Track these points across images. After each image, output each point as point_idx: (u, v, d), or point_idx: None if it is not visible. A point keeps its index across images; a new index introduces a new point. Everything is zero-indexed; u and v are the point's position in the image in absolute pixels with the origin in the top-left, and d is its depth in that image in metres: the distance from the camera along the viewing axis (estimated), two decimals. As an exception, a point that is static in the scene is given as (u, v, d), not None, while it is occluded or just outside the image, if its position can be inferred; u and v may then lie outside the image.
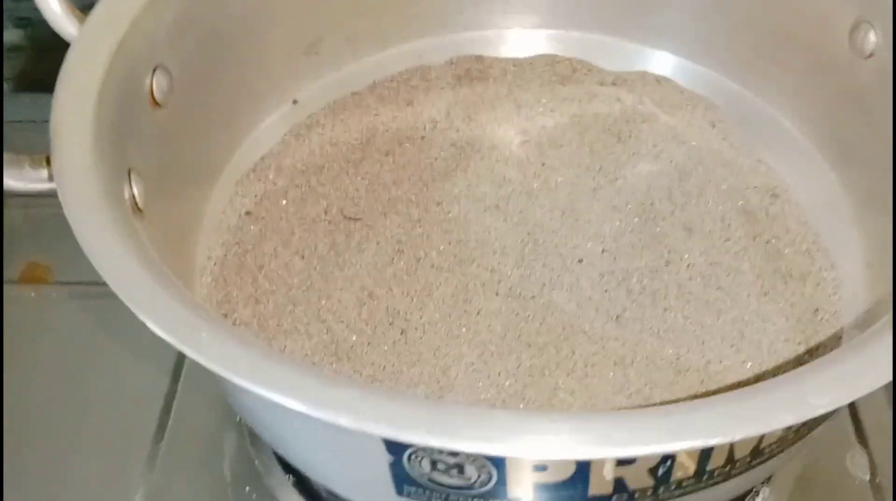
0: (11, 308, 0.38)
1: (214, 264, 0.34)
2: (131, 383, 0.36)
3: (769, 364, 0.29)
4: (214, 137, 0.37)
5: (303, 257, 0.34)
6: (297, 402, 0.18)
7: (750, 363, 0.29)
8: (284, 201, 0.37)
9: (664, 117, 0.38)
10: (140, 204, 0.28)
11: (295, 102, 0.40)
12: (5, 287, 0.39)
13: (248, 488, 0.33)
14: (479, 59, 0.42)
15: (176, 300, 0.22)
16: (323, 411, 0.18)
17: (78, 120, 0.27)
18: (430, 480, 0.21)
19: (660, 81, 0.40)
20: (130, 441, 0.34)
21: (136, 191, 0.28)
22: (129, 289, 0.22)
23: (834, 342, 0.30)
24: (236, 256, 0.34)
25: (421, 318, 0.32)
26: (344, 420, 0.18)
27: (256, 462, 0.34)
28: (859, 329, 0.29)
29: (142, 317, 0.21)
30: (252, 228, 0.36)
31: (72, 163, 0.26)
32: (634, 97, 0.39)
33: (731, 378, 0.29)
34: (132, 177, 0.28)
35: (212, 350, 0.20)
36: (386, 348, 0.31)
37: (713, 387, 0.29)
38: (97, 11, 0.30)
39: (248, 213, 0.36)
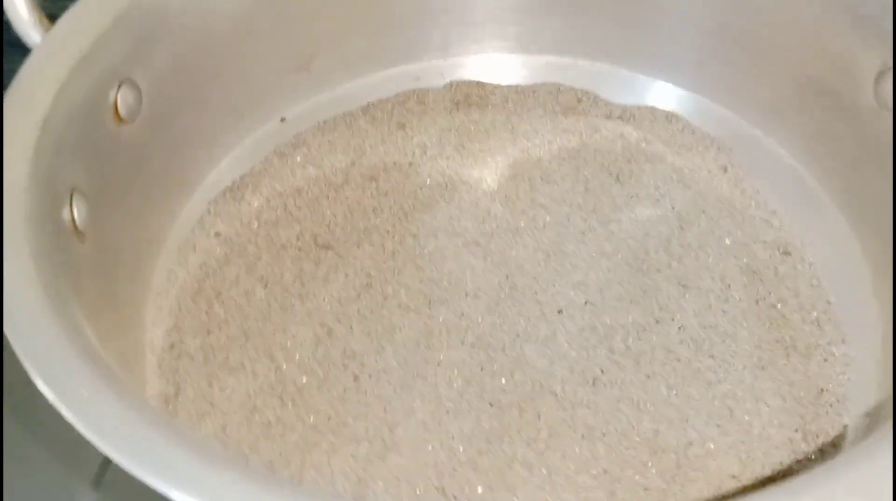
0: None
1: (172, 286, 0.32)
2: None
3: (758, 452, 0.25)
4: (190, 154, 0.35)
5: (265, 286, 0.32)
6: (139, 468, 0.16)
7: (736, 450, 0.26)
8: (256, 224, 0.35)
9: (671, 158, 0.35)
10: (80, 226, 0.26)
11: (283, 119, 0.38)
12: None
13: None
14: (480, 84, 0.39)
15: (64, 344, 0.19)
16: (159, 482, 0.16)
17: (19, 136, 0.25)
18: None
19: (670, 118, 0.36)
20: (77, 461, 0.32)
21: (76, 213, 0.26)
22: (16, 321, 0.20)
23: (837, 429, 0.26)
24: (196, 280, 0.32)
25: (377, 363, 0.29)
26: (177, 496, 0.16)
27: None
28: (868, 418, 0.25)
29: (18, 352, 0.19)
30: (218, 250, 0.34)
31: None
32: (640, 134, 0.36)
33: (713, 465, 0.25)
34: (74, 199, 0.26)
35: (85, 412, 0.18)
36: (335, 394, 0.28)
37: (691, 473, 0.25)
38: (62, 22, 0.28)
39: (217, 234, 0.34)
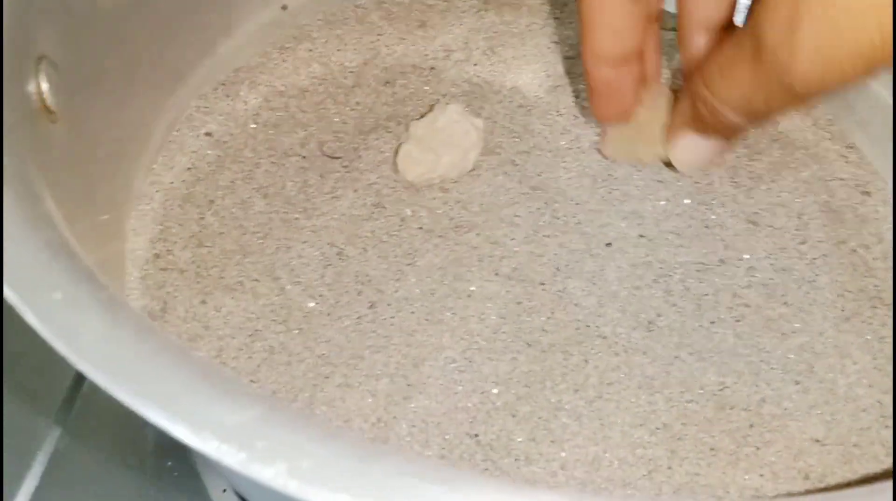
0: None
1: (157, 190, 0.28)
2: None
3: (844, 415, 0.22)
4: (180, 37, 0.30)
5: (265, 197, 0.28)
6: (169, 421, 0.12)
7: (819, 411, 0.22)
8: (254, 125, 0.30)
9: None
10: (52, 104, 0.22)
11: (284, 7, 0.33)
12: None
13: (169, 462, 0.28)
14: (515, -19, 0.34)
15: (32, 235, 0.15)
16: (198, 438, 0.12)
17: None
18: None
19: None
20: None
21: (45, 87, 0.21)
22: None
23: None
24: (184, 184, 0.28)
25: (397, 292, 0.25)
26: (227, 458, 0.11)
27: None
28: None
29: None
30: (209, 152, 0.29)
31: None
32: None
33: (793, 427, 0.22)
34: (42, 68, 0.22)
35: (57, 319, 0.13)
36: (348, 323, 0.24)
37: (767, 435, 0.22)
38: None
39: (208, 134, 0.29)
